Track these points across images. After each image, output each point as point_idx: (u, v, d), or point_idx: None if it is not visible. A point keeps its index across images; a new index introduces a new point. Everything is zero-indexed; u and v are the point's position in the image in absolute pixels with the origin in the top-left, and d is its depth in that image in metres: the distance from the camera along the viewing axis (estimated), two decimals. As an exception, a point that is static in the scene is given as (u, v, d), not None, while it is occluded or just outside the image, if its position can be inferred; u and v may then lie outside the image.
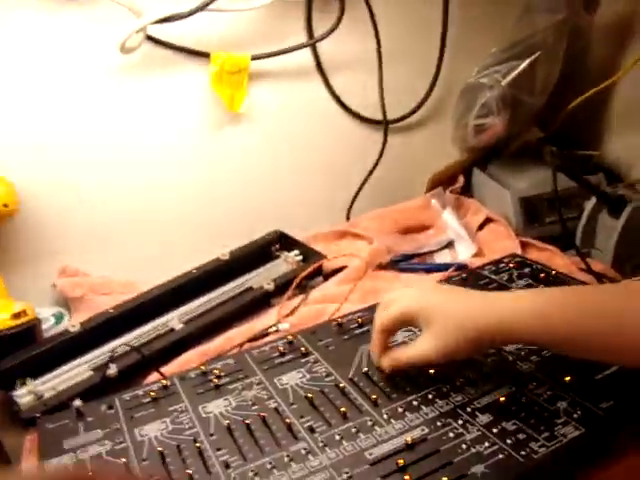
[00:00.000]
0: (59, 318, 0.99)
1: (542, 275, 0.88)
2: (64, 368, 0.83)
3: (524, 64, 1.09)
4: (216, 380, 0.72)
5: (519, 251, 1.02)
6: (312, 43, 1.09)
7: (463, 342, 0.63)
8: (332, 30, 1.07)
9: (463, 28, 1.20)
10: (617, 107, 1.20)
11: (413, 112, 1.24)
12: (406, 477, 0.55)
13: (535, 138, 1.23)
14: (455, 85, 1.21)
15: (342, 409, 0.65)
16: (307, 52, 1.11)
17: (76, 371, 0.83)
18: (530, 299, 0.64)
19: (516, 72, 1.09)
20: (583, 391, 0.65)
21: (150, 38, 0.97)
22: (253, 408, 0.67)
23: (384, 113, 1.20)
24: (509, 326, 0.62)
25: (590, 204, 1.00)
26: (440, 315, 0.65)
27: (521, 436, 0.59)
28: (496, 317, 0.63)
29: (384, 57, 1.16)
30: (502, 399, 0.64)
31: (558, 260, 0.99)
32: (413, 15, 1.18)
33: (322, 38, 1.07)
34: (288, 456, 0.59)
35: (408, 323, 0.69)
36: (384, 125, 1.21)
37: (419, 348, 0.66)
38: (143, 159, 1.04)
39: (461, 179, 1.26)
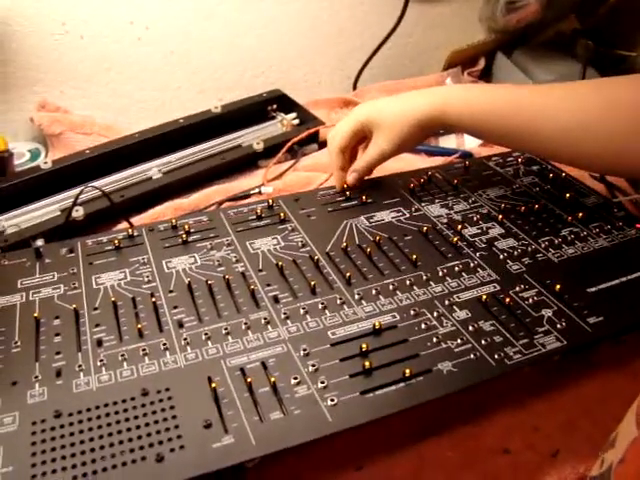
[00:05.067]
0: (35, 155, 0.94)
1: (551, 175, 0.81)
2: (31, 206, 0.79)
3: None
4: (185, 236, 0.67)
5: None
6: None
7: (408, 129, 0.71)
8: None
9: None
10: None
11: (441, -20, 1.12)
12: (366, 363, 0.51)
13: (570, 29, 1.12)
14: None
15: (312, 283, 0.60)
16: None
17: (43, 210, 0.79)
18: (465, 89, 0.73)
19: (563, -53, 0.97)
20: (572, 302, 0.59)
21: None
22: (219, 269, 0.63)
23: (409, -24, 1.09)
24: (445, 112, 0.70)
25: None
26: (387, 113, 0.72)
27: (497, 339, 0.55)
28: (433, 104, 0.70)
29: None
30: (484, 297, 0.59)
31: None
32: None
33: None
34: (246, 324, 0.55)
35: (362, 133, 0.74)
36: (407, -11, 1.10)
37: (374, 147, 0.73)
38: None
39: (482, 62, 1.17)
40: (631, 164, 0.62)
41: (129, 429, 0.45)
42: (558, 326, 0.56)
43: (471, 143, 0.97)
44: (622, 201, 0.82)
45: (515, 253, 0.66)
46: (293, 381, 0.50)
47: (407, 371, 0.50)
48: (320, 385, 0.49)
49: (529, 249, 0.67)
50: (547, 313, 0.58)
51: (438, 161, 0.90)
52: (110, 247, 0.65)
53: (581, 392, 0.59)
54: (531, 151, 0.76)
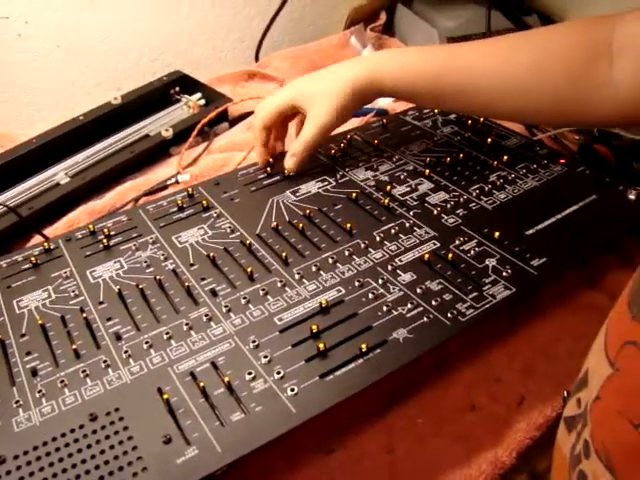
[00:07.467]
0: None
1: (469, 122, 0.81)
2: None
3: None
4: (106, 240, 0.63)
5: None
6: None
7: (344, 98, 0.67)
8: None
9: None
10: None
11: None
12: (320, 344, 0.49)
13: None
14: None
15: (248, 269, 0.57)
16: None
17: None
18: (398, 53, 0.71)
19: None
20: (513, 247, 0.59)
21: None
22: (148, 270, 0.59)
23: None
24: (378, 78, 0.67)
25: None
26: (320, 86, 0.69)
27: (447, 297, 0.54)
28: (366, 72, 0.67)
29: None
30: (426, 256, 0.58)
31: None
32: None
33: None
34: (187, 324, 0.52)
35: (291, 109, 0.71)
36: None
37: (310, 124, 0.69)
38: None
39: (383, 16, 1.16)
40: (567, 115, 0.63)
41: (84, 461, 0.42)
42: (504, 274, 0.56)
43: (384, 100, 0.95)
44: (541, 138, 0.82)
45: (448, 206, 0.65)
46: (248, 377, 0.47)
47: (363, 346, 0.49)
48: (277, 376, 0.47)
49: (461, 200, 0.66)
50: (491, 262, 0.58)
51: (354, 122, 0.88)
52: (27, 265, 0.61)
53: (532, 334, 0.59)
54: (470, 111, 0.75)
